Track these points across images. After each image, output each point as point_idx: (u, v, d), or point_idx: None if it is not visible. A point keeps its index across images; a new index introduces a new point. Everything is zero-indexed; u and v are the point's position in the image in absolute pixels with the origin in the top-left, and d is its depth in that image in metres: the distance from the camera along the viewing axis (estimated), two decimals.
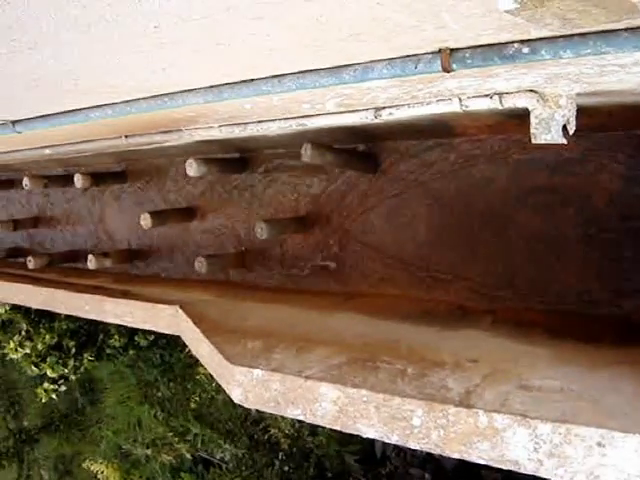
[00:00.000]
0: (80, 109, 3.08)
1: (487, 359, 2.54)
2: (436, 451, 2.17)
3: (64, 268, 5.52)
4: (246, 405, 2.76)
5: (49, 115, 3.25)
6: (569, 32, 1.67)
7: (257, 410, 2.83)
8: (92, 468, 9.27)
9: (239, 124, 3.35)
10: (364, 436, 2.38)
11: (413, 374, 2.45)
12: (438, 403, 2.17)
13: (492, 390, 2.20)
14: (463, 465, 6.36)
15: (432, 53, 1.96)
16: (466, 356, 2.57)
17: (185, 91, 2.62)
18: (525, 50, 1.80)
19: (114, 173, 5.07)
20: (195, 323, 3.37)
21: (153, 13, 1.69)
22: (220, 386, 2.96)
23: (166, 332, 3.90)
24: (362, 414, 2.35)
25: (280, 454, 7.16)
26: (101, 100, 2.94)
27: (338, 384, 2.44)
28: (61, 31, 1.89)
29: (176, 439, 7.84)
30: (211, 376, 3.15)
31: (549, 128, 2.37)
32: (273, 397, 2.64)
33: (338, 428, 2.44)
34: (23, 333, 8.45)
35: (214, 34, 1.89)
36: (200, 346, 3.25)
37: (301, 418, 2.54)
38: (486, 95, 2.49)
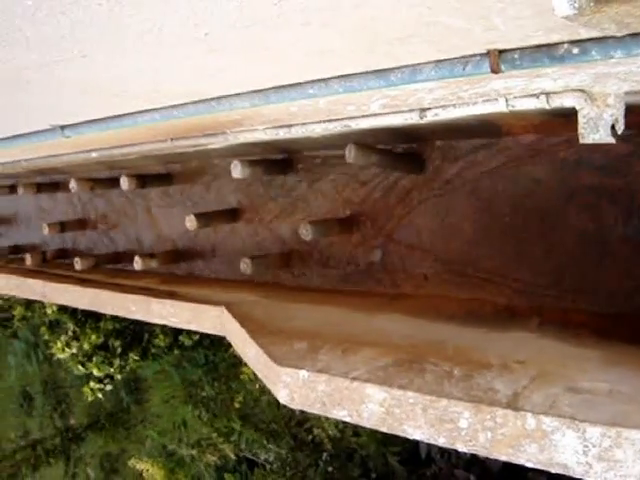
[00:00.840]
0: (128, 114, 3.13)
1: (534, 361, 2.52)
2: (483, 454, 2.16)
3: (110, 269, 5.59)
4: (292, 406, 2.77)
5: (97, 120, 3.30)
6: (623, 34, 1.66)
7: (301, 411, 2.83)
8: (137, 466, 9.38)
9: (284, 126, 3.36)
10: (411, 438, 2.38)
11: (460, 376, 2.43)
12: (486, 405, 2.15)
13: (540, 392, 2.18)
14: (509, 468, 6.31)
15: (480, 55, 1.96)
16: (513, 358, 2.55)
17: (232, 95, 2.64)
18: (575, 51, 1.78)
19: (159, 175, 5.12)
20: (241, 324, 3.38)
21: (204, 21, 1.71)
22: (264, 386, 2.97)
23: (212, 333, 3.93)
24: (409, 416, 2.34)
25: (324, 454, 7.17)
26: (149, 105, 2.98)
27: (384, 385, 2.43)
28: (113, 40, 1.92)
29: (220, 439, 7.89)
30: (255, 376, 3.17)
31: (597, 127, 2.34)
32: (319, 398, 2.64)
33: (384, 430, 2.43)
34: (70, 333, 8.59)
35: (263, 40, 1.91)
36: (246, 347, 3.26)
37: (347, 420, 2.54)
38: (533, 95, 2.47)
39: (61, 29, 1.81)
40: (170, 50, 2.03)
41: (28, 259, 6.05)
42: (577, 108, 2.37)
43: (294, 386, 2.74)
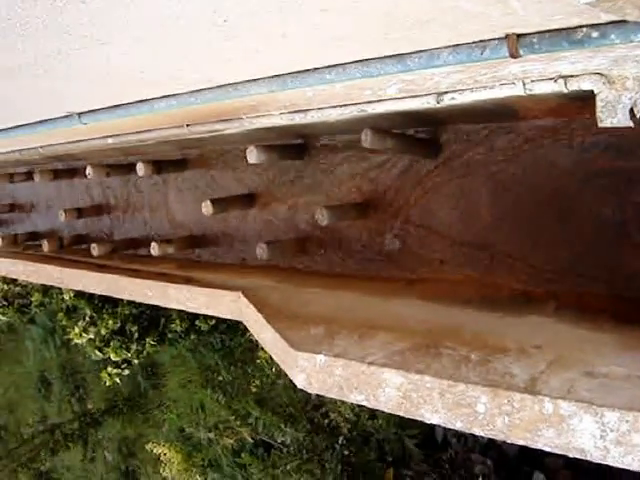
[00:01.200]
0: (145, 100, 3.13)
1: (552, 345, 2.52)
2: (501, 438, 2.17)
3: (127, 255, 5.62)
4: (310, 391, 2.79)
5: (114, 106, 3.31)
6: None
7: (317, 395, 2.85)
8: (155, 450, 9.45)
9: (300, 111, 3.36)
10: (428, 422, 2.39)
11: (477, 360, 2.44)
12: (503, 390, 2.16)
13: (557, 377, 2.19)
14: (525, 452, 6.33)
15: (499, 39, 1.95)
16: (530, 342, 2.55)
17: (249, 81, 2.64)
18: (594, 35, 1.77)
19: (175, 161, 5.13)
20: (258, 309, 3.40)
21: (223, 8, 1.71)
22: (280, 370, 2.99)
23: (229, 318, 3.95)
24: (426, 400, 2.35)
25: (340, 438, 7.20)
26: (166, 91, 2.98)
27: (401, 370, 2.44)
28: (132, 27, 1.92)
29: (237, 422, 7.94)
30: (272, 360, 3.19)
31: (615, 111, 2.33)
32: (336, 383, 2.65)
33: (401, 414, 2.45)
34: (87, 319, 8.64)
35: (281, 26, 1.91)
36: (263, 332, 3.28)
37: (364, 404, 2.55)
38: (550, 79, 2.46)
39: (80, 17, 1.82)
40: (188, 37, 2.04)
41: (45, 245, 6.08)
42: (595, 91, 2.35)
43: (311, 370, 2.75)
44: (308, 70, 2.42)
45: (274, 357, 3.17)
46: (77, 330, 8.69)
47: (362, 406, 2.70)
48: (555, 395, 2.03)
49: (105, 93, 3.14)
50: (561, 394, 2.03)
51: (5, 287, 11.17)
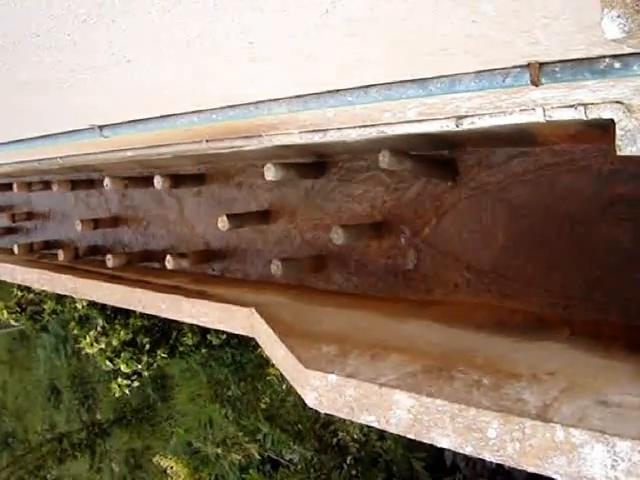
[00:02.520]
0: (168, 115, 3.16)
1: (564, 372, 2.50)
2: (511, 464, 2.16)
3: (142, 267, 5.64)
4: (320, 410, 2.78)
5: (136, 121, 3.34)
6: None
7: (326, 413, 2.84)
8: (162, 463, 9.43)
9: (319, 131, 3.38)
10: (438, 446, 2.38)
11: (489, 385, 2.43)
12: (514, 416, 2.15)
13: (570, 404, 2.17)
14: (535, 478, 6.27)
15: (521, 67, 1.96)
16: (543, 369, 2.53)
17: (271, 100, 2.66)
18: (617, 65, 1.78)
19: (193, 175, 5.16)
20: (270, 326, 3.40)
21: (250, 30, 1.73)
22: (290, 387, 2.99)
23: (241, 333, 3.95)
24: (437, 423, 2.34)
25: (348, 458, 7.17)
26: (188, 107, 3.01)
27: (413, 392, 2.44)
28: (159, 46, 1.95)
29: (246, 438, 7.92)
30: (282, 377, 3.19)
31: (635, 140, 2.33)
32: (347, 403, 2.65)
33: (412, 437, 2.44)
34: (99, 329, 8.67)
35: (306, 49, 1.93)
36: (275, 349, 3.28)
37: (375, 425, 2.54)
38: (571, 106, 2.46)
39: (109, 35, 1.84)
40: (213, 56, 2.06)
41: (61, 255, 6.12)
42: (615, 120, 2.35)
43: (322, 390, 2.75)
44: (330, 92, 2.44)
45: (285, 375, 3.16)
46: (88, 340, 8.71)
47: (371, 426, 2.69)
48: (567, 423, 2.02)
49: (128, 108, 3.17)
50: (573, 422, 2.02)
51: (19, 294, 11.22)
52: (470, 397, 2.34)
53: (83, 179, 6.50)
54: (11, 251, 7.02)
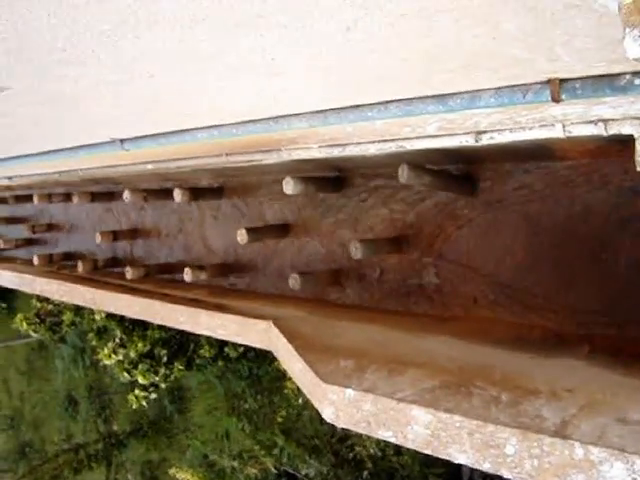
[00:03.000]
0: (188, 130, 3.18)
1: (583, 389, 2.49)
2: None
3: (160, 279, 5.66)
4: (337, 424, 2.78)
5: (158, 134, 3.36)
6: None
7: (343, 428, 2.83)
8: (178, 475, 9.43)
9: (338, 145, 3.39)
10: (455, 462, 2.37)
11: (507, 401, 2.42)
12: (533, 432, 2.14)
13: (589, 422, 2.16)
14: None
15: (541, 83, 1.96)
16: (562, 385, 2.52)
17: (291, 115, 2.67)
18: (637, 82, 1.78)
19: (212, 189, 5.18)
20: (288, 339, 3.40)
21: (273, 47, 1.75)
22: (307, 401, 2.98)
23: (258, 347, 3.95)
24: (454, 439, 2.33)
25: (365, 472, 7.14)
26: (209, 122, 3.03)
27: (431, 408, 2.43)
28: (182, 62, 1.97)
29: (262, 452, 7.91)
30: (298, 391, 3.19)
31: None
32: (364, 418, 2.64)
33: (429, 453, 2.42)
34: (117, 340, 8.70)
35: (327, 64, 1.94)
36: (292, 363, 3.28)
37: (392, 440, 2.53)
38: (591, 122, 2.46)
39: (133, 51, 1.86)
40: (235, 72, 2.07)
41: (80, 266, 6.16)
42: (635, 136, 2.35)
43: (340, 404, 2.74)
44: (350, 107, 2.45)
45: (302, 389, 3.16)
46: (106, 351, 8.75)
47: (388, 441, 2.68)
48: (586, 440, 2.00)
49: (149, 121, 3.20)
50: (592, 439, 2.00)
51: (38, 305, 11.29)
52: (488, 413, 2.32)
53: (103, 191, 6.55)
54: (31, 262, 7.07)
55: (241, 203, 5.02)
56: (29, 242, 8.11)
